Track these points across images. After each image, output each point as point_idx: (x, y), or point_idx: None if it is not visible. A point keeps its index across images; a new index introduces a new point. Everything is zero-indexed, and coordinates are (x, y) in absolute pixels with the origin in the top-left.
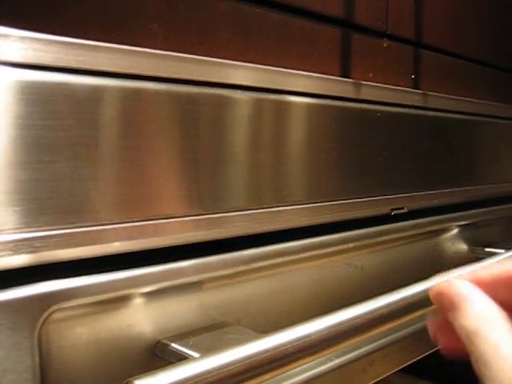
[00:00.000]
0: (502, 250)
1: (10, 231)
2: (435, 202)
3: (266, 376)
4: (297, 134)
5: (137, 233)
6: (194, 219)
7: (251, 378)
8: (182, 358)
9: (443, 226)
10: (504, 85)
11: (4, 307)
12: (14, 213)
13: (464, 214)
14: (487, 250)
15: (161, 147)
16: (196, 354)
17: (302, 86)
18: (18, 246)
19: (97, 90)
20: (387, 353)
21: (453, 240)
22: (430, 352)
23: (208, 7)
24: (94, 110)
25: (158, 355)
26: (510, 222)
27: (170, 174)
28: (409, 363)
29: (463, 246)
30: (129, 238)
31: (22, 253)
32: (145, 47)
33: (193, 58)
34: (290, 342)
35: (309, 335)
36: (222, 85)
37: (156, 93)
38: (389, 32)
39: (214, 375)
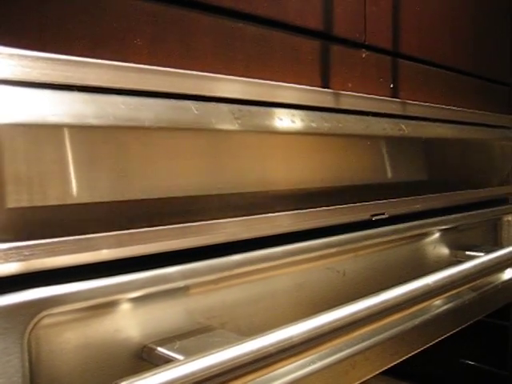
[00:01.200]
0: (482, 254)
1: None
2: (416, 208)
3: (250, 377)
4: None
5: (125, 240)
6: (182, 227)
7: (234, 378)
8: (168, 362)
9: (424, 230)
10: (482, 93)
11: None
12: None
13: (445, 218)
14: (468, 253)
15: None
16: (181, 357)
17: (283, 97)
18: (7, 255)
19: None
20: (369, 355)
21: (434, 244)
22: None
23: (190, 22)
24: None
25: (145, 359)
26: (491, 226)
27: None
28: (391, 365)
29: (445, 250)
30: (117, 246)
31: (12, 261)
32: (129, 62)
33: (176, 72)
34: (271, 345)
35: (290, 337)
36: (205, 98)
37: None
38: (367, 43)
39: (197, 377)
